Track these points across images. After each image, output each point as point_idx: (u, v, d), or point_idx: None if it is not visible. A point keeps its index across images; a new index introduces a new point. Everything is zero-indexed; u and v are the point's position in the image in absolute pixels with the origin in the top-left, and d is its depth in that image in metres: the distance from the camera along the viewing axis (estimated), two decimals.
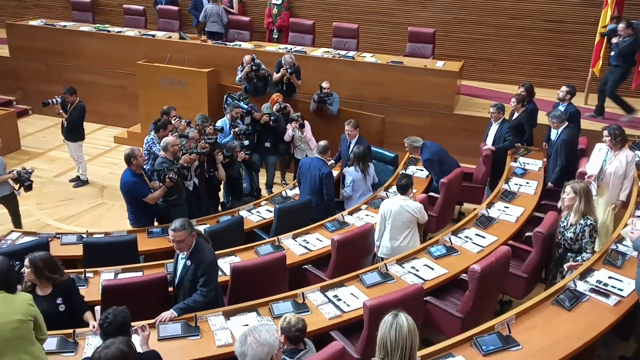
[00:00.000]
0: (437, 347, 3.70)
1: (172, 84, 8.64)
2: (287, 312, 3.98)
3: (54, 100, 7.65)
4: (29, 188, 6.36)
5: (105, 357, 2.76)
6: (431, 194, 6.44)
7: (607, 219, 5.78)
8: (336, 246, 5.00)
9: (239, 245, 5.38)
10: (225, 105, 7.64)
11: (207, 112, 7.97)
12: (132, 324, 3.47)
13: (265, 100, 7.85)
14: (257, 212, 6.31)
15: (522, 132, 7.25)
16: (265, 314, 4.21)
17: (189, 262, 4.17)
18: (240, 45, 9.50)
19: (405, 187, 5.22)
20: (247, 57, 8.20)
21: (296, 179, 6.70)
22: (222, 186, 6.97)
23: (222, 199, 7.07)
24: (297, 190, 6.72)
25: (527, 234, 5.38)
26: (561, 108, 7.01)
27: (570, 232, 4.64)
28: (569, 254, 4.72)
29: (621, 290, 4.25)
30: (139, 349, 3.48)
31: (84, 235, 5.58)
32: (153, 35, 9.90)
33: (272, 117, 7.46)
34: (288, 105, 7.81)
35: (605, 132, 5.74)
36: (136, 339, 3.54)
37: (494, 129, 7.06)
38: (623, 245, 4.81)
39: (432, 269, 4.84)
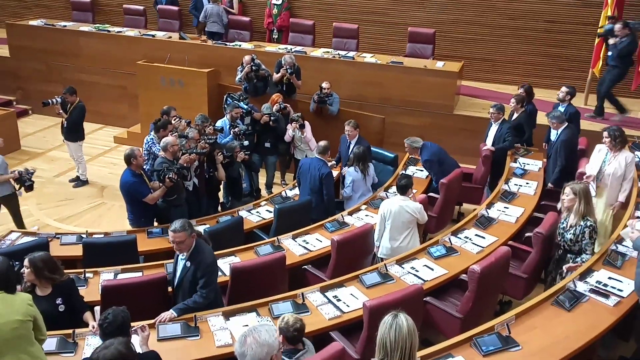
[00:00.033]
0: (437, 348, 3.70)
1: (172, 84, 8.64)
2: (287, 312, 3.97)
3: (54, 100, 7.65)
4: (29, 188, 6.36)
5: (104, 357, 2.76)
6: (431, 194, 6.44)
7: (605, 220, 5.77)
8: (336, 246, 5.00)
9: (239, 245, 5.38)
10: (225, 106, 7.64)
11: (207, 112, 7.97)
12: (132, 324, 3.47)
13: (265, 101, 7.85)
14: (257, 212, 6.31)
15: (521, 132, 7.25)
16: (265, 314, 4.21)
17: (188, 263, 4.16)
18: (240, 46, 9.50)
19: (405, 187, 5.22)
20: (246, 58, 8.20)
21: (296, 180, 6.70)
22: (221, 186, 6.97)
23: (221, 199, 7.07)
24: (296, 191, 6.72)
25: (527, 234, 5.38)
26: (561, 109, 7.01)
27: (570, 234, 4.64)
28: (568, 255, 4.72)
29: (621, 290, 4.25)
30: (139, 350, 3.48)
31: (84, 236, 5.57)
32: (153, 36, 9.90)
33: (272, 118, 7.46)
34: (288, 105, 7.81)
35: (605, 134, 5.74)
36: (136, 340, 3.54)
37: (493, 129, 7.06)
38: (623, 245, 4.81)
39: (432, 269, 4.84)
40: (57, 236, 5.62)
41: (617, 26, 8.03)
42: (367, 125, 7.81)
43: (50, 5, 12.66)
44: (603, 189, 5.76)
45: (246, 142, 7.07)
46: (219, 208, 6.89)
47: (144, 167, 6.10)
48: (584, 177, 5.78)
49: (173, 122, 6.75)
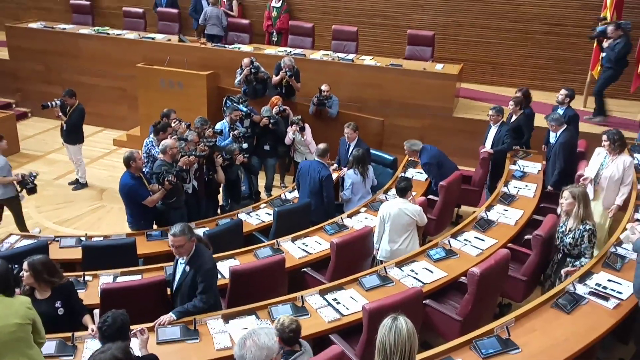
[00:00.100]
0: (437, 351, 3.69)
1: (172, 87, 8.65)
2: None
3: (54, 102, 7.66)
4: (31, 191, 6.40)
5: None
6: (430, 196, 6.44)
7: (604, 223, 5.76)
8: (335, 249, 5.00)
9: (238, 248, 5.38)
10: (225, 108, 7.64)
11: (207, 115, 7.99)
12: (131, 327, 3.47)
13: (265, 103, 7.85)
14: (257, 215, 6.31)
15: (520, 134, 7.26)
16: (264, 317, 4.21)
17: (188, 268, 4.15)
18: (239, 48, 9.50)
19: (404, 189, 5.22)
20: (246, 60, 8.21)
21: (295, 182, 6.70)
22: (221, 189, 6.97)
23: (221, 202, 7.07)
24: (296, 193, 6.72)
25: (526, 236, 5.38)
26: (560, 111, 7.01)
27: (569, 238, 4.64)
28: (568, 259, 4.71)
29: (620, 293, 4.24)
30: (138, 353, 3.48)
31: (83, 238, 5.58)
32: (153, 38, 9.91)
33: (271, 120, 7.46)
34: (287, 108, 7.81)
35: (605, 137, 5.73)
36: (135, 343, 3.53)
37: (492, 131, 7.06)
38: (622, 248, 4.80)
39: (432, 272, 4.83)
40: (56, 239, 5.62)
41: (610, 28, 8.03)
42: (366, 128, 7.82)
43: (50, 8, 12.66)
44: (600, 192, 5.75)
45: (245, 145, 7.07)
46: (219, 211, 6.89)
47: (143, 169, 6.10)
48: (581, 179, 5.79)
49: (173, 124, 6.75)
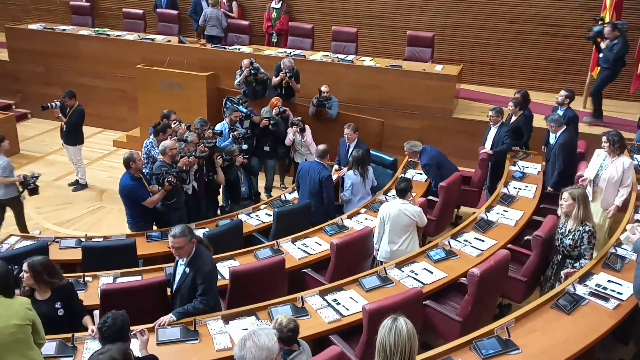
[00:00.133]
0: (437, 351, 3.69)
1: (172, 88, 8.65)
2: None
3: (53, 104, 7.66)
4: (33, 192, 6.43)
5: None
6: (430, 197, 6.44)
7: (604, 224, 5.76)
8: (335, 250, 5.00)
9: (238, 249, 5.38)
10: (224, 109, 7.65)
11: (206, 116, 8.00)
12: (131, 328, 3.47)
13: (265, 104, 7.85)
14: (256, 215, 6.31)
15: (519, 135, 7.27)
16: (264, 318, 4.21)
17: (187, 269, 4.15)
18: (239, 49, 9.51)
19: (404, 190, 5.22)
20: (245, 61, 8.21)
21: (295, 183, 6.70)
22: (221, 190, 6.97)
23: (221, 203, 7.07)
24: (296, 194, 6.72)
25: (526, 237, 5.38)
26: (560, 112, 7.01)
27: (569, 239, 4.63)
28: (567, 260, 4.71)
29: (620, 294, 4.24)
30: (138, 353, 3.48)
31: (83, 239, 5.58)
32: (152, 39, 9.91)
33: (271, 121, 7.47)
34: (287, 109, 7.81)
35: (604, 138, 5.72)
36: (135, 343, 3.53)
37: (492, 132, 7.07)
38: (622, 249, 4.80)
39: (432, 272, 4.83)
40: (56, 240, 5.62)
41: (607, 29, 8.02)
42: (366, 129, 7.82)
43: (49, 9, 12.68)
44: (599, 194, 5.75)
45: (245, 146, 7.08)
46: (218, 211, 6.89)
47: (143, 170, 6.10)
48: (579, 180, 5.79)
49: (173, 125, 6.75)
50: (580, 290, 4.30)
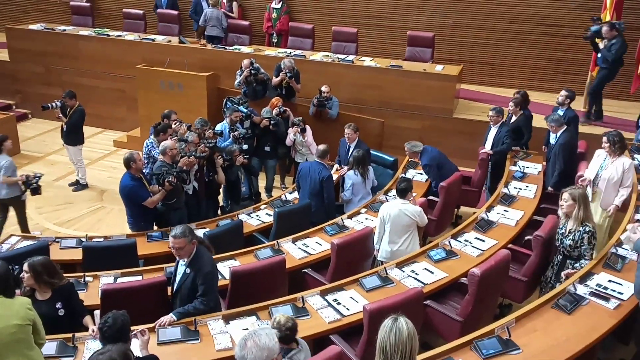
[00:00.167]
0: (437, 351, 3.69)
1: (172, 88, 8.65)
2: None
3: (54, 104, 7.67)
4: (35, 191, 6.44)
5: None
6: (431, 197, 6.44)
7: (603, 224, 5.76)
8: (336, 250, 5.00)
9: (239, 249, 5.38)
10: (225, 109, 7.65)
11: (207, 116, 8.00)
12: (132, 328, 3.47)
13: (265, 104, 7.86)
14: (257, 215, 6.31)
15: (520, 135, 7.27)
16: (264, 318, 4.20)
17: (188, 270, 4.15)
18: (239, 49, 9.51)
19: (404, 190, 5.22)
20: (245, 61, 8.21)
21: (295, 184, 6.70)
22: (221, 190, 6.97)
23: (221, 203, 7.07)
24: (296, 194, 6.72)
25: (526, 237, 5.38)
26: (560, 112, 7.01)
27: (569, 240, 4.63)
28: (568, 261, 4.71)
29: (621, 293, 4.24)
30: (139, 353, 3.48)
31: (84, 239, 5.58)
32: (152, 40, 9.92)
33: (271, 121, 7.47)
34: (287, 109, 7.81)
35: (605, 139, 5.71)
36: (136, 343, 3.53)
37: (492, 132, 7.07)
38: (623, 248, 4.80)
39: (432, 272, 4.83)
40: (56, 240, 5.62)
41: (605, 28, 8.00)
42: (366, 129, 7.82)
43: (50, 10, 12.68)
44: (598, 194, 5.75)
45: (245, 146, 7.08)
46: (219, 211, 6.89)
47: (144, 170, 6.10)
48: (579, 180, 5.78)
49: (173, 125, 6.76)
50: (581, 290, 4.30)
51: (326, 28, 10.47)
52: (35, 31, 10.39)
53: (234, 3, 11.04)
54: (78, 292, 4.29)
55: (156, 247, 5.56)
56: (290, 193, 6.98)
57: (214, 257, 4.46)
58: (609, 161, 5.72)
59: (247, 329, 4.01)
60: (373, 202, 6.31)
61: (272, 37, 10.76)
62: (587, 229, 4.57)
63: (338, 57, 9.21)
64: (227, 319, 4.16)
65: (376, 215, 5.56)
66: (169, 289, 4.40)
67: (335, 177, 6.72)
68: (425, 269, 4.88)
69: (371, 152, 7.09)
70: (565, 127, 6.55)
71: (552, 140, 6.64)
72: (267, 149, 7.64)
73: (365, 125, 7.92)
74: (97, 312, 4.23)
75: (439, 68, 8.89)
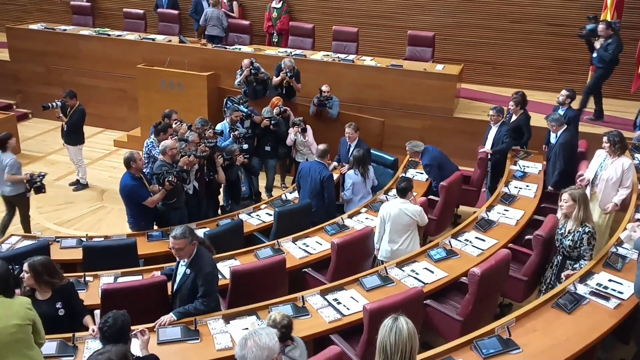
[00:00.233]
0: (437, 351, 3.69)
1: (172, 87, 8.65)
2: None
3: (54, 103, 7.67)
4: (38, 190, 6.46)
5: None
6: (431, 197, 6.44)
7: (602, 224, 5.75)
8: (336, 249, 5.00)
9: (239, 248, 5.38)
10: (225, 109, 7.65)
11: (207, 116, 8.00)
12: (132, 327, 3.47)
13: (265, 104, 7.85)
14: (257, 215, 6.31)
15: (520, 135, 7.26)
16: (265, 317, 4.19)
17: (188, 271, 4.15)
18: (240, 49, 9.51)
19: (404, 190, 5.22)
20: (245, 61, 8.21)
21: (296, 184, 6.70)
22: (221, 189, 6.97)
23: (221, 202, 7.07)
24: (297, 194, 6.72)
25: (527, 237, 5.38)
26: (560, 112, 7.01)
27: (569, 240, 4.62)
28: (568, 261, 4.70)
29: (621, 293, 4.24)
30: (139, 353, 3.48)
31: (84, 239, 5.58)
32: (153, 39, 9.92)
33: (272, 121, 7.47)
34: (288, 108, 7.81)
35: (605, 139, 5.71)
36: (136, 343, 3.53)
37: (493, 131, 7.07)
38: (623, 248, 4.80)
39: (432, 272, 4.83)
40: (57, 240, 5.62)
41: (601, 27, 7.98)
42: (366, 128, 7.82)
43: (50, 10, 12.68)
44: (597, 194, 5.75)
45: (246, 146, 7.08)
46: (219, 211, 6.89)
47: (144, 170, 6.10)
48: (578, 180, 5.78)
49: (174, 125, 6.76)
50: (581, 289, 4.30)
51: (326, 27, 10.46)
52: (36, 31, 10.40)
53: (235, 2, 11.04)
54: (78, 291, 4.29)
55: (156, 247, 5.55)
56: (291, 193, 6.98)
57: (214, 256, 4.45)
58: (609, 161, 5.71)
59: (247, 328, 4.01)
60: (373, 201, 6.31)
61: (272, 37, 10.77)
62: (587, 229, 4.57)
63: (338, 57, 9.21)
64: (227, 319, 4.16)
65: (376, 214, 5.56)
66: (169, 287, 4.40)
67: (335, 176, 6.72)
68: (426, 268, 4.88)
69: (371, 151, 7.09)
70: (566, 126, 6.55)
71: (553, 139, 6.64)
72: (267, 148, 7.64)
73: (366, 124, 7.91)
74: (97, 312, 4.23)
75: (439, 67, 8.89)
